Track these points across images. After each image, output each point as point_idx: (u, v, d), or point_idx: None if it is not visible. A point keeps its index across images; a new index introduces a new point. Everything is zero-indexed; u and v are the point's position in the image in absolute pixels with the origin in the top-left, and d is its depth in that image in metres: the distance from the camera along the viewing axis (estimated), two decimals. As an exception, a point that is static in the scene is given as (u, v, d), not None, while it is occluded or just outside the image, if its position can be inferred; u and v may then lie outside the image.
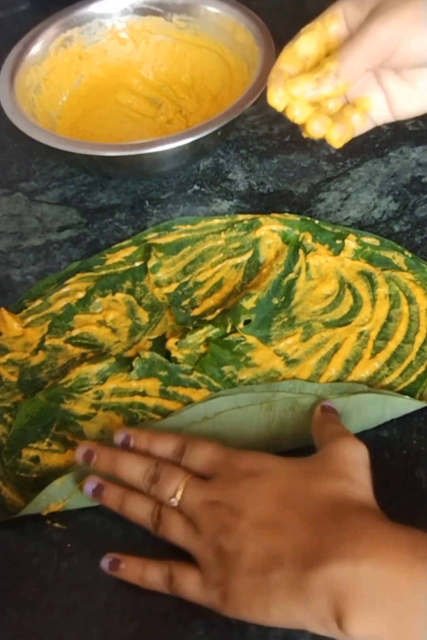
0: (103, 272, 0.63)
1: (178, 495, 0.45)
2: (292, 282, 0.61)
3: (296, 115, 0.55)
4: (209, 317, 0.58)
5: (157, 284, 0.62)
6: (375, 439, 0.51)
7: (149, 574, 0.45)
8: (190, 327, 0.57)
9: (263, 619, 0.41)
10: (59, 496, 0.49)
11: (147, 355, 0.55)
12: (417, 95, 0.55)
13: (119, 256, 0.64)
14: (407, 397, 0.52)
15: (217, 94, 0.76)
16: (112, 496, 0.47)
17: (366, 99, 0.57)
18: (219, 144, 0.73)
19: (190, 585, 0.44)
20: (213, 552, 0.43)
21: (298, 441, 0.51)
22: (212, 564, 0.43)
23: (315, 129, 0.55)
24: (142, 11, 0.79)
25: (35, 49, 0.75)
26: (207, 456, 0.47)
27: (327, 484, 0.44)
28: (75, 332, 0.59)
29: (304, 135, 0.57)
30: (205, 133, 0.64)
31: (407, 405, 0.52)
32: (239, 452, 0.47)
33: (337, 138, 0.56)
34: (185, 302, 0.61)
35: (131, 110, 0.77)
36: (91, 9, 0.78)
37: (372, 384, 0.53)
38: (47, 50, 0.76)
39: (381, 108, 0.57)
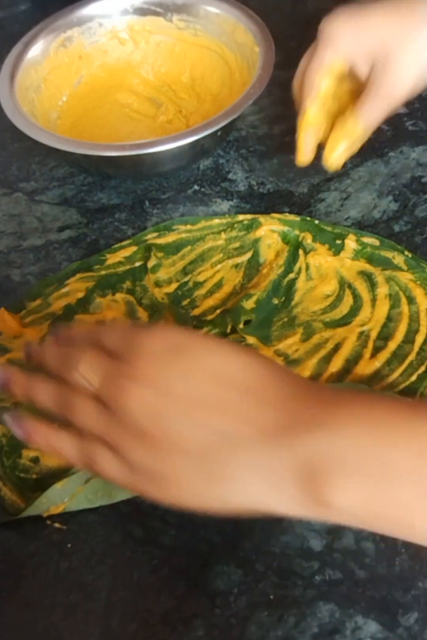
0: (103, 272, 0.63)
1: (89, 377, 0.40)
2: (292, 282, 0.61)
3: None
4: (209, 317, 0.58)
5: (157, 284, 0.62)
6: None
7: (59, 441, 0.41)
8: (191, 327, 0.57)
9: (217, 505, 0.38)
10: (59, 499, 0.49)
11: (147, 355, 0.55)
12: None
13: (119, 256, 0.64)
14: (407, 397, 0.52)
15: (217, 94, 0.76)
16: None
17: None
18: (219, 144, 0.73)
19: (108, 465, 0.39)
20: (133, 436, 0.38)
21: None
22: (134, 447, 0.38)
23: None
24: (142, 11, 0.79)
25: (35, 49, 0.75)
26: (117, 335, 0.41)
27: (261, 359, 0.39)
28: (75, 332, 0.59)
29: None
30: (205, 133, 0.64)
31: (407, 405, 0.52)
32: (147, 327, 0.42)
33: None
34: (185, 302, 0.61)
35: (131, 110, 0.77)
36: (91, 9, 0.78)
37: (373, 384, 0.53)
38: (47, 50, 0.76)
39: None
